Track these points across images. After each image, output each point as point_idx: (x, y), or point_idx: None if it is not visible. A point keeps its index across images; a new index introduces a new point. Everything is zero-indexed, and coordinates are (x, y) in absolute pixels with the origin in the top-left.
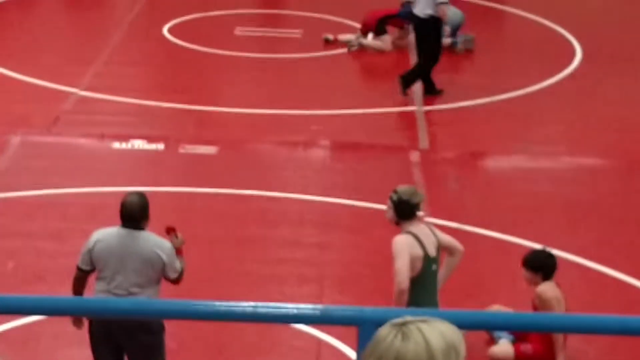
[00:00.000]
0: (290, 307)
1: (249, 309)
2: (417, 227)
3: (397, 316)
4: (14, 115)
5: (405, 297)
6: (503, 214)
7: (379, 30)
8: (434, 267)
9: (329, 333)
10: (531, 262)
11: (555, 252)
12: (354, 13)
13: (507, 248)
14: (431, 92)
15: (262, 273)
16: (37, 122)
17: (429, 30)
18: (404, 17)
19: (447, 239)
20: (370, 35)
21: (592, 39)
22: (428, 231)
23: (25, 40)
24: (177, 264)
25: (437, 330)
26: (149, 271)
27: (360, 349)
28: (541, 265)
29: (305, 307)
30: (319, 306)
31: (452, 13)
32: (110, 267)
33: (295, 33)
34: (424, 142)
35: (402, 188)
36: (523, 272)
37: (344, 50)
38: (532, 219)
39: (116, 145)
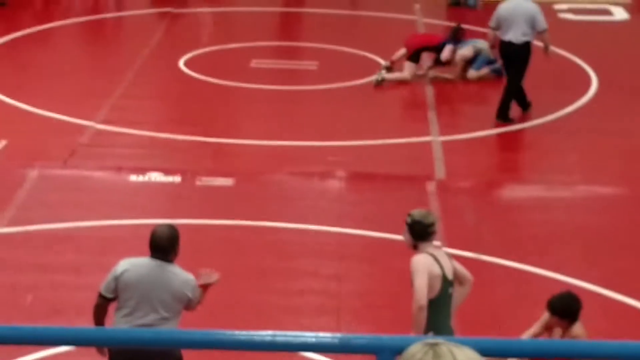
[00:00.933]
0: (309, 336)
1: (268, 338)
2: (435, 250)
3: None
4: (32, 149)
5: (424, 314)
6: (520, 244)
7: (413, 58)
8: (450, 290)
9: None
10: (559, 309)
11: (572, 281)
12: (369, 45)
13: (524, 277)
14: (526, 109)
15: (280, 304)
16: (55, 155)
17: (523, 55)
18: (453, 43)
19: (459, 267)
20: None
21: (608, 69)
22: (444, 254)
23: (42, 74)
24: (198, 299)
25: (466, 355)
26: (175, 305)
27: None
28: (570, 312)
29: (324, 336)
30: (338, 335)
31: (485, 45)
32: (136, 297)
33: (311, 65)
34: (440, 172)
35: (416, 210)
36: (547, 316)
37: (357, 82)
38: (548, 248)
39: (133, 178)
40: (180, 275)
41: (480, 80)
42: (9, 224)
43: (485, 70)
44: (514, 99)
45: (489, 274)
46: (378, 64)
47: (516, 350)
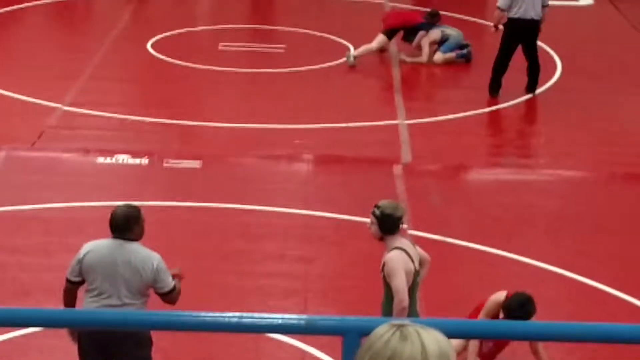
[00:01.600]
0: (276, 317)
1: (235, 320)
2: (402, 242)
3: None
4: None
5: (405, 314)
6: (486, 226)
7: (388, 34)
8: (418, 279)
9: (313, 345)
10: (517, 315)
11: (537, 263)
12: (337, 28)
13: (489, 260)
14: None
15: (246, 287)
16: (22, 137)
17: (538, 30)
18: (426, 28)
19: (420, 250)
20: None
21: (572, 54)
22: (409, 244)
23: (10, 56)
24: (169, 280)
25: (433, 337)
26: (139, 284)
27: (345, 358)
28: (522, 315)
29: (290, 317)
30: (304, 316)
31: (456, 32)
32: (100, 278)
33: (279, 48)
34: (406, 155)
35: (384, 202)
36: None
37: (325, 65)
38: (514, 231)
39: (100, 160)
40: (140, 252)
41: (445, 63)
42: None
43: (451, 55)
44: (494, 77)
45: (455, 257)
46: (345, 47)
47: (481, 331)
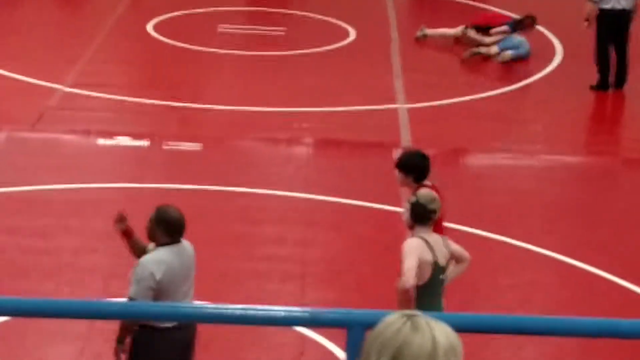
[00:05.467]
0: (279, 310)
1: (238, 312)
2: (430, 235)
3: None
4: (0, 112)
5: (409, 296)
6: (484, 212)
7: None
8: (442, 276)
9: (315, 331)
10: (404, 163)
11: (535, 249)
12: (338, 11)
13: (487, 245)
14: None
15: (245, 270)
16: (22, 119)
17: (629, 22)
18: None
19: (458, 248)
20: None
21: (573, 38)
22: (440, 241)
23: (11, 38)
24: None
25: (443, 330)
26: (193, 277)
27: (349, 351)
28: (414, 167)
29: (294, 310)
30: (308, 309)
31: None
32: (183, 286)
33: (279, 30)
34: (406, 139)
35: (423, 192)
36: (396, 174)
37: (325, 48)
38: (512, 216)
39: (101, 141)
40: (190, 246)
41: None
42: None
43: (509, 53)
44: (602, 75)
45: (454, 241)
46: (345, 30)
47: (491, 326)
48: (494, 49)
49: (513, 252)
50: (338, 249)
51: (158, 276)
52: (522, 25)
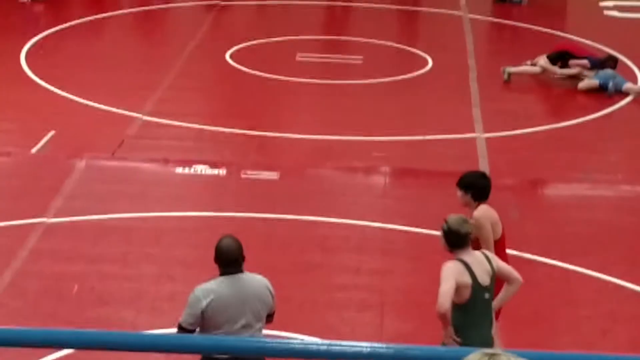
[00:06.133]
0: (365, 346)
1: (324, 347)
2: (470, 255)
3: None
4: (80, 140)
5: (446, 319)
6: (562, 242)
7: (553, 58)
8: (485, 295)
9: None
10: (463, 181)
11: (615, 281)
12: (415, 40)
13: (566, 276)
14: None
15: (323, 299)
16: (102, 146)
17: None
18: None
19: (505, 268)
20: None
21: None
22: (483, 259)
23: (91, 65)
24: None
25: None
26: (263, 312)
27: None
28: (473, 185)
29: (379, 346)
30: (392, 345)
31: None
32: (232, 319)
33: (356, 59)
34: (484, 168)
35: (452, 217)
36: (457, 193)
37: (402, 77)
38: (591, 247)
39: (179, 170)
40: (256, 279)
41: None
42: (57, 214)
43: (595, 82)
44: None
45: (531, 272)
46: (423, 58)
47: None
48: (592, 80)
49: (593, 283)
50: (416, 278)
51: (203, 304)
52: (603, 65)
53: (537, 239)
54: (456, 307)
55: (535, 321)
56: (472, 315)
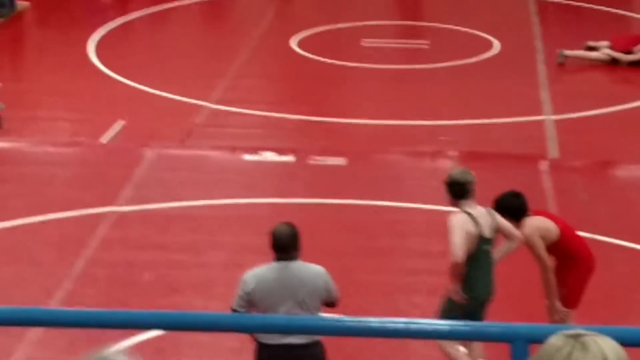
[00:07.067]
0: (443, 324)
1: (401, 326)
2: (474, 208)
3: (551, 333)
4: (149, 129)
5: (460, 269)
6: (634, 224)
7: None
8: (486, 247)
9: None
10: (498, 206)
11: None
12: (481, 23)
13: (638, 258)
14: None
15: (393, 283)
16: (171, 135)
17: None
18: None
19: (506, 224)
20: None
21: None
22: (485, 213)
23: (158, 55)
24: (336, 288)
25: (611, 346)
26: (314, 302)
27: None
28: (507, 208)
29: (457, 324)
30: (470, 323)
31: None
32: (275, 306)
33: (422, 44)
34: (553, 151)
35: (455, 170)
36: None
37: (469, 60)
38: None
39: (247, 157)
40: (309, 269)
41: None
42: (128, 203)
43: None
44: None
45: (604, 254)
46: (489, 41)
47: None
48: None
49: None
50: None
51: (249, 288)
52: None
53: (609, 221)
54: None
55: (608, 303)
56: (476, 267)
